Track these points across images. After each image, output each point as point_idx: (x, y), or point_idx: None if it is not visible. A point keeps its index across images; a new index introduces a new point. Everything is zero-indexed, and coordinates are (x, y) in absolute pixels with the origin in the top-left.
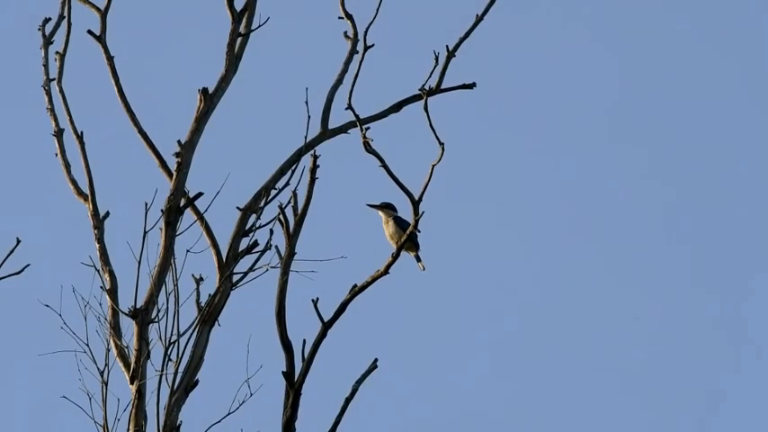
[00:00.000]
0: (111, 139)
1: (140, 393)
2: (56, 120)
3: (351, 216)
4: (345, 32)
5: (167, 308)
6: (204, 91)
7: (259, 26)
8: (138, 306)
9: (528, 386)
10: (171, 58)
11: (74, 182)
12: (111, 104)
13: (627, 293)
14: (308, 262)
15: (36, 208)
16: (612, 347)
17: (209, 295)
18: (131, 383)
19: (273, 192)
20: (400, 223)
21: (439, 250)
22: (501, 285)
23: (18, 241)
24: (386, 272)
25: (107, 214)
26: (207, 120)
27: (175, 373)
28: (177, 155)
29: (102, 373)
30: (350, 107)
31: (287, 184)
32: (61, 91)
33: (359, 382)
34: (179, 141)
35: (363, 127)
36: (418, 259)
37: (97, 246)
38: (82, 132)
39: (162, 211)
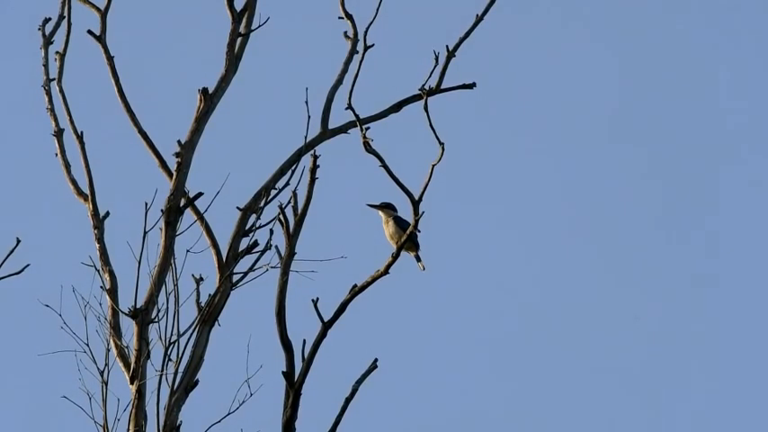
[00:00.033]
0: (111, 139)
1: (140, 393)
2: (56, 120)
3: (351, 216)
4: (345, 32)
5: (167, 308)
6: (204, 91)
7: (259, 26)
8: (138, 306)
9: (528, 386)
10: (171, 58)
11: (74, 182)
12: (111, 104)
13: (627, 293)
14: (308, 262)
15: (36, 208)
16: (612, 347)
17: (209, 295)
18: (131, 383)
19: (273, 192)
20: (400, 223)
21: (439, 250)
22: (501, 285)
23: (18, 241)
24: (386, 272)
25: (107, 214)
26: (207, 120)
27: (175, 373)
28: (177, 155)
29: (102, 373)
30: (350, 107)
31: (287, 184)
32: (61, 91)
33: (359, 382)
34: (179, 141)
35: (363, 127)
36: (418, 259)
37: (97, 246)
38: (82, 132)
39: (162, 211)
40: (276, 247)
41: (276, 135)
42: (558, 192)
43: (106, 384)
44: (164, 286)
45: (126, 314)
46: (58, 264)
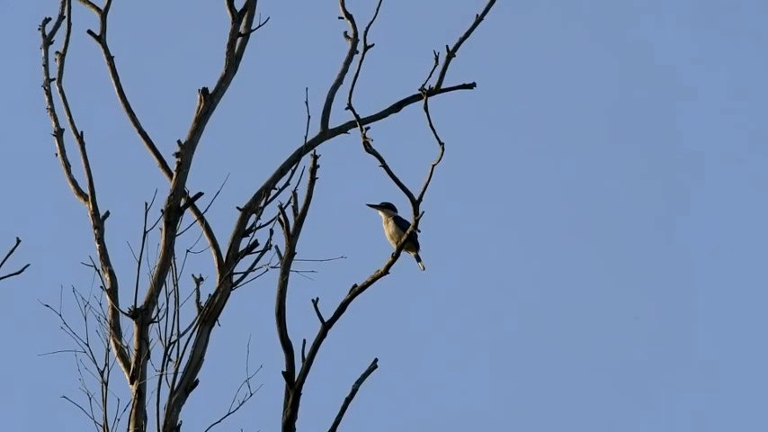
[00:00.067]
0: (111, 139)
1: (140, 393)
2: (56, 120)
3: (351, 216)
4: (345, 32)
5: (167, 308)
6: (204, 91)
7: (259, 26)
8: (138, 306)
9: (528, 386)
10: (171, 58)
11: (74, 182)
12: (111, 104)
13: (627, 293)
14: (308, 262)
15: (36, 208)
16: (612, 347)
17: (209, 295)
18: (131, 383)
19: (273, 192)
20: (400, 223)
21: (439, 250)
22: (501, 285)
23: (18, 241)
24: (386, 272)
25: (107, 214)
26: (207, 120)
27: (175, 373)
28: (177, 155)
29: (102, 373)
30: (350, 107)
31: (287, 184)
32: (61, 91)
33: (359, 382)
34: (179, 141)
35: (363, 127)
36: (418, 259)
37: (97, 246)
38: (82, 132)
39: (162, 211)
40: (276, 247)
41: (276, 135)
42: (558, 192)
43: (106, 384)
44: (164, 286)
45: (126, 314)
46: (58, 264)
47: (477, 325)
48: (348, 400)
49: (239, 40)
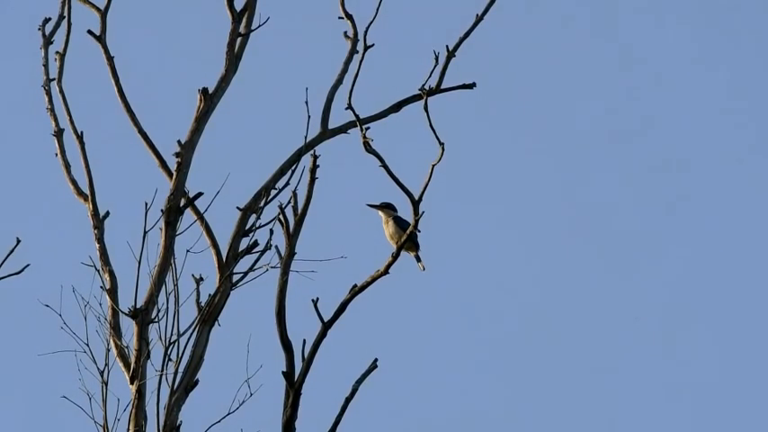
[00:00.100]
0: (111, 139)
1: (140, 393)
2: (56, 120)
3: (351, 216)
4: (345, 32)
5: (167, 308)
6: (204, 91)
7: (259, 26)
8: (138, 306)
9: (528, 386)
10: (171, 58)
11: (74, 182)
12: (111, 104)
13: (627, 293)
14: (308, 262)
15: (36, 208)
16: (612, 347)
17: (209, 295)
18: (131, 383)
19: (273, 192)
20: (400, 223)
21: (439, 250)
22: (501, 285)
23: (18, 241)
24: (386, 272)
25: (107, 214)
26: (207, 120)
27: (175, 373)
28: (177, 155)
29: (102, 373)
30: (350, 107)
31: (287, 184)
32: (61, 91)
33: (359, 382)
34: (179, 141)
35: (363, 127)
36: (418, 259)
37: (97, 246)
38: (82, 132)
39: (162, 211)
40: (276, 247)
41: (276, 135)
42: (558, 192)
43: (106, 384)
44: (164, 286)
45: (126, 314)
46: (58, 264)
47: (477, 325)
48: (348, 400)
49: (239, 39)
